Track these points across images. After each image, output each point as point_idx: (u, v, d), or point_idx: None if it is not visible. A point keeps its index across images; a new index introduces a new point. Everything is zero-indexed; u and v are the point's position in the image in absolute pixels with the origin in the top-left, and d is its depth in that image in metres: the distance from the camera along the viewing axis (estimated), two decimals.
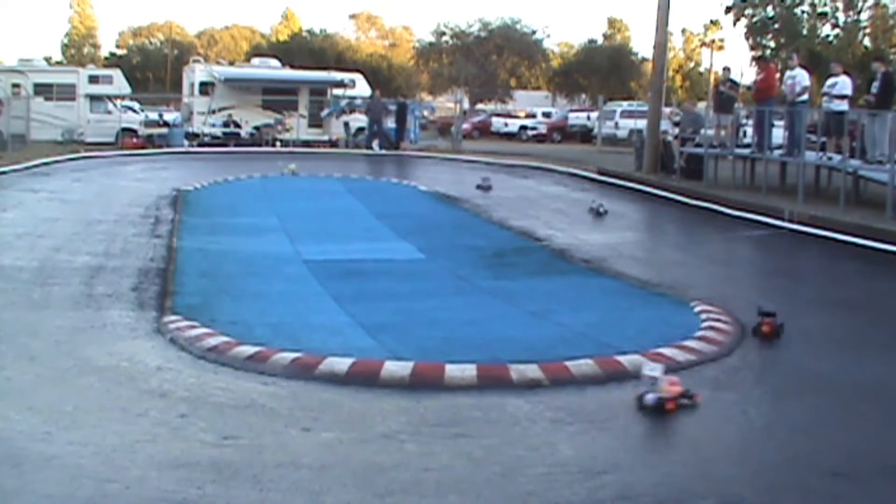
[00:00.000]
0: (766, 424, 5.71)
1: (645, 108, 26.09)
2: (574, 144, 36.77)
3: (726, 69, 20.56)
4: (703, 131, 19.42)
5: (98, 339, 7.27)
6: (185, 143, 27.66)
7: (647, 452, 5.07)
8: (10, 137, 24.69)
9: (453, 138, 33.26)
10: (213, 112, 29.73)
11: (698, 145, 19.14)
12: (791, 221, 13.60)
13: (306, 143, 29.14)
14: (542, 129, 41.04)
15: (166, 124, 29.55)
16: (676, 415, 5.57)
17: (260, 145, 27.92)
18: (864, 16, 39.41)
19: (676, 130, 20.66)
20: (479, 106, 52.31)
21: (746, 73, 44.27)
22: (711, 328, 7.70)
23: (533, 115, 44.14)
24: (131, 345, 7.15)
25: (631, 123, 33.05)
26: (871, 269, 10.90)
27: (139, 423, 5.35)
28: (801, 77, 16.60)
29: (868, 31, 39.36)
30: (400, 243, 12.85)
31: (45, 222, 13.14)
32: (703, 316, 8.17)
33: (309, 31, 67.53)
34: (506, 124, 42.34)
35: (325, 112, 31.43)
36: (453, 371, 6.28)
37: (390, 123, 29.19)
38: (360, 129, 29.81)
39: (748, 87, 18.64)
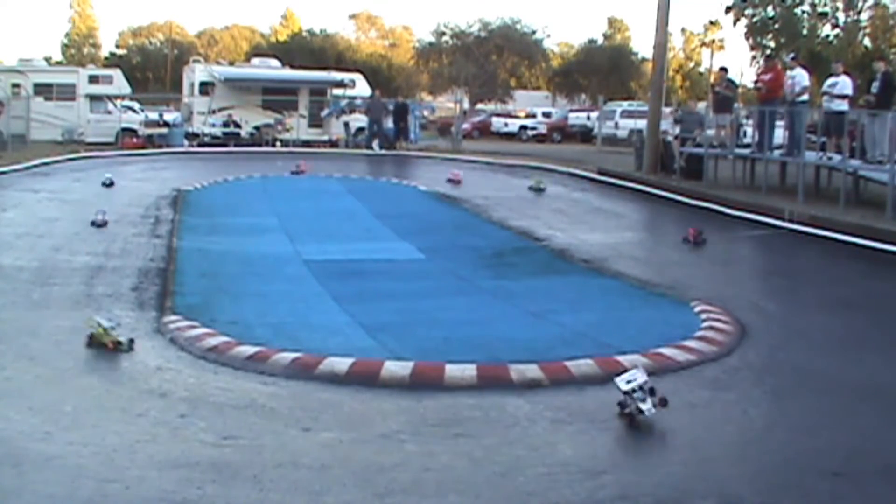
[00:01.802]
0: (766, 424, 5.71)
1: (645, 108, 26.07)
2: (574, 144, 36.76)
3: (723, 69, 20.56)
4: (703, 132, 19.41)
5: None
6: (185, 143, 27.64)
7: (647, 452, 5.06)
8: (10, 137, 24.69)
9: (453, 138, 33.24)
10: (213, 112, 29.70)
11: (698, 145, 19.14)
12: (791, 221, 13.59)
13: (306, 143, 29.11)
14: (542, 129, 41.03)
15: (166, 124, 29.51)
16: (676, 415, 5.56)
17: (260, 145, 27.89)
18: (864, 16, 39.45)
19: (677, 130, 20.64)
20: (479, 106, 52.28)
21: (746, 74, 44.28)
22: (711, 328, 7.70)
23: (533, 115, 44.14)
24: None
25: (631, 123, 33.02)
26: (871, 269, 10.89)
27: (139, 423, 5.35)
28: (801, 77, 16.60)
29: (868, 31, 39.36)
30: (400, 243, 12.85)
31: (45, 222, 13.14)
32: (703, 316, 8.18)
33: (309, 32, 67.50)
34: (506, 124, 42.35)
35: (325, 112, 31.41)
36: (453, 371, 6.28)
37: (390, 123, 29.20)
38: (360, 129, 29.78)
39: (757, 88, 18.55)
